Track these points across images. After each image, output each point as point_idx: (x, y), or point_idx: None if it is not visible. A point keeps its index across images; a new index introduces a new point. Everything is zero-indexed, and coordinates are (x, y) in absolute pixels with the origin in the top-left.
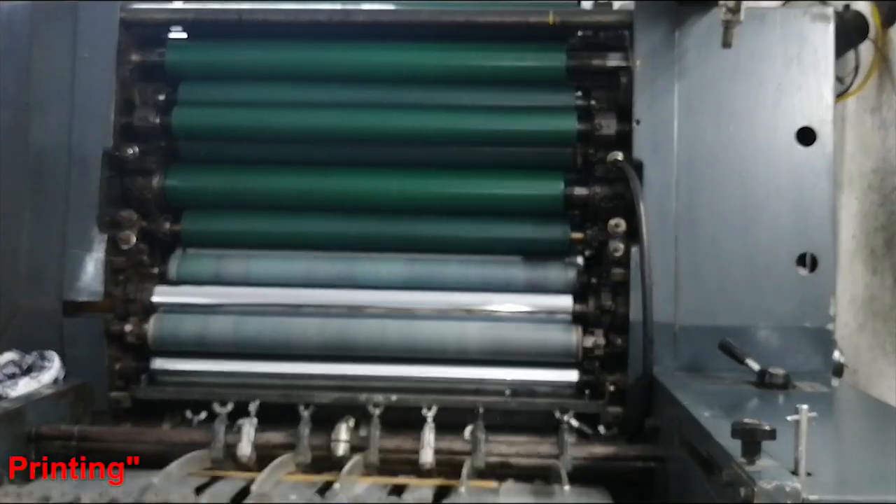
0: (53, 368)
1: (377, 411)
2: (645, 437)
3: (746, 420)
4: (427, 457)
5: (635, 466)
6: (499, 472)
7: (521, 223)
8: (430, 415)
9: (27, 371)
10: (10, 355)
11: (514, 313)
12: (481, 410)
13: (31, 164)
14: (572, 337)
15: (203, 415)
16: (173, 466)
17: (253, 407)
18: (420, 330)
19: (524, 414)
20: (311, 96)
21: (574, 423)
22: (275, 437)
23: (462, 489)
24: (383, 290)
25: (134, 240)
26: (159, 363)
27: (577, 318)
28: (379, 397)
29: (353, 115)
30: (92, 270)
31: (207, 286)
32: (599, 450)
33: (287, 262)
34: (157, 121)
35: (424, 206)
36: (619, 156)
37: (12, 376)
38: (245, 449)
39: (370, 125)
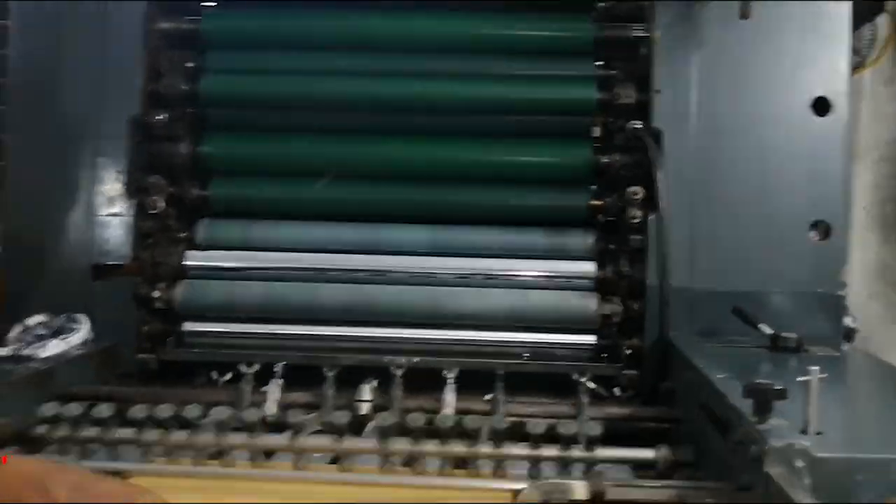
0: (82, 331)
1: (399, 372)
2: (660, 400)
3: (758, 380)
4: (447, 417)
5: (651, 427)
6: (516, 432)
7: (542, 191)
8: (451, 376)
9: (56, 333)
10: (39, 318)
11: (535, 279)
12: (501, 372)
13: (60, 129)
14: (591, 302)
15: (228, 376)
16: (204, 423)
17: (279, 367)
18: (442, 294)
19: (542, 377)
20: (338, 64)
21: (591, 385)
22: (300, 396)
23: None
24: (407, 255)
25: (162, 205)
26: (187, 326)
27: (596, 284)
28: (401, 359)
29: (377, 83)
30: (120, 235)
31: (234, 251)
32: (616, 411)
33: (312, 228)
34: (185, 88)
35: (449, 174)
36: (639, 124)
37: (42, 338)
38: (270, 408)
39: (395, 93)
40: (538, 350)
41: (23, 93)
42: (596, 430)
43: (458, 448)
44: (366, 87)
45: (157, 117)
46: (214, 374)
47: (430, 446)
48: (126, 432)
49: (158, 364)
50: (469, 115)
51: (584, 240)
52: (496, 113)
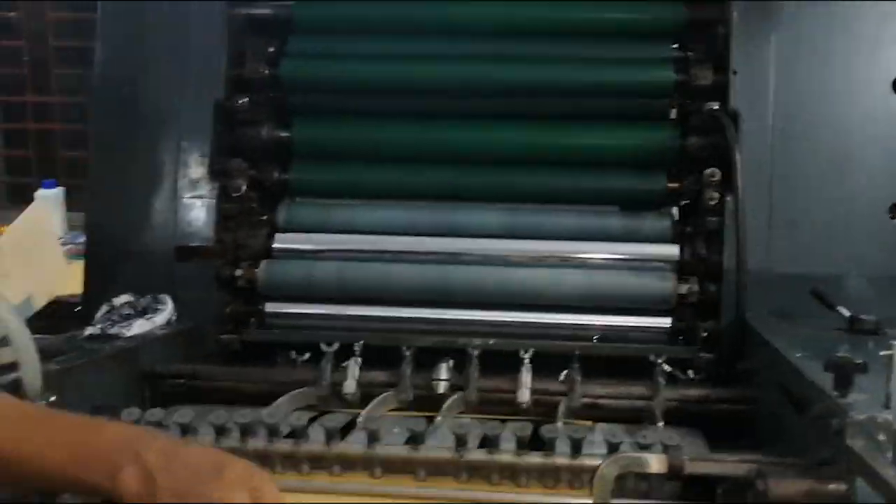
0: (166, 311)
1: (476, 352)
2: (736, 382)
3: (839, 354)
4: (524, 396)
5: (727, 408)
6: (592, 413)
7: (618, 174)
8: (526, 357)
9: (141, 313)
10: (125, 297)
11: (610, 261)
12: (577, 352)
13: (145, 114)
14: (667, 284)
15: (307, 355)
16: (282, 400)
17: (358, 346)
18: (517, 277)
19: (617, 360)
20: (418, 49)
21: (666, 367)
22: (378, 375)
23: (559, 425)
24: (482, 238)
25: (244, 188)
26: (268, 307)
27: (672, 266)
28: (477, 341)
29: (456, 66)
30: (203, 217)
31: (314, 233)
32: (692, 392)
33: (390, 211)
34: (267, 72)
35: (526, 156)
36: (716, 106)
37: (127, 317)
38: (350, 386)
39: (474, 76)
40: (612, 332)
41: (109, 79)
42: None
43: (534, 460)
44: (445, 70)
45: (239, 101)
46: (293, 354)
47: (507, 456)
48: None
49: (240, 344)
50: (547, 98)
51: (660, 222)
52: (574, 96)
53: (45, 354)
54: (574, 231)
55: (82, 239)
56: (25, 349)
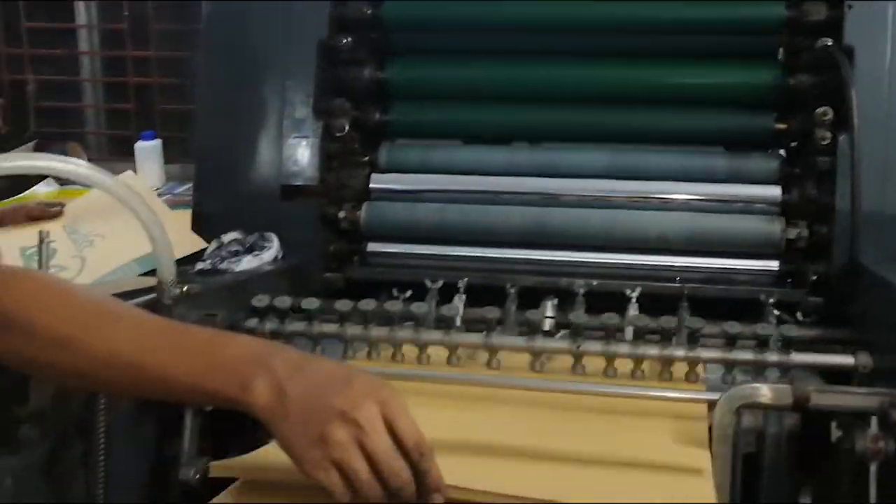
0: (273, 248)
1: (582, 290)
2: (847, 325)
3: None
4: (631, 334)
5: (840, 350)
6: None
7: (724, 113)
8: (634, 295)
9: (249, 250)
10: (233, 235)
11: (716, 203)
12: (686, 292)
13: (250, 54)
14: (775, 227)
15: (409, 293)
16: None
17: (462, 284)
18: (620, 218)
19: (722, 303)
20: None
21: (775, 312)
22: (482, 312)
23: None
24: (584, 178)
25: (346, 128)
26: (371, 246)
27: (780, 208)
28: (580, 282)
29: (558, 4)
30: (307, 157)
31: (415, 174)
32: (803, 332)
33: (490, 152)
34: (370, 12)
35: (629, 95)
36: (829, 42)
37: (236, 254)
38: (455, 322)
39: (577, 13)
40: (717, 276)
41: (215, 22)
42: (791, 331)
43: (651, 351)
44: (547, 8)
45: (342, 41)
46: (395, 292)
47: (624, 348)
48: (330, 327)
49: (344, 282)
50: (651, 35)
51: (767, 163)
52: (679, 33)
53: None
54: (678, 172)
55: (180, 189)
56: (159, 239)
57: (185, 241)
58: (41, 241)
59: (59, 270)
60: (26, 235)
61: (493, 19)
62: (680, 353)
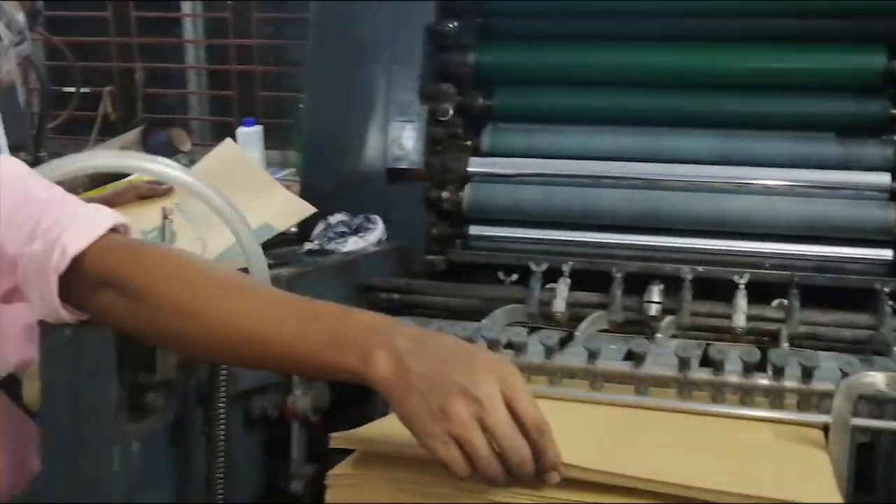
0: (377, 230)
1: (689, 276)
2: None
3: None
4: (740, 321)
5: None
6: (811, 343)
7: (835, 99)
8: (742, 282)
9: (355, 231)
10: (340, 216)
11: (827, 189)
12: (796, 280)
13: (358, 40)
14: (889, 214)
15: (514, 276)
16: (497, 313)
17: (566, 268)
18: (728, 204)
19: (831, 292)
20: None
21: (890, 303)
22: (587, 296)
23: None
24: (690, 163)
25: (451, 112)
26: (472, 229)
27: (890, 195)
28: (686, 268)
29: None
30: (412, 141)
31: (518, 158)
32: None
33: (594, 135)
34: None
35: (735, 80)
36: None
37: (342, 234)
38: (559, 305)
39: None
40: (827, 264)
41: (325, 6)
42: None
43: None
44: None
45: (448, 27)
46: (500, 275)
47: (733, 378)
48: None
49: (446, 264)
50: (760, 19)
51: (881, 150)
52: (790, 17)
53: (274, 264)
54: (788, 157)
55: (280, 174)
56: (255, 255)
57: (295, 208)
58: (165, 217)
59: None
60: (139, 215)
61: (598, 4)
62: (793, 384)
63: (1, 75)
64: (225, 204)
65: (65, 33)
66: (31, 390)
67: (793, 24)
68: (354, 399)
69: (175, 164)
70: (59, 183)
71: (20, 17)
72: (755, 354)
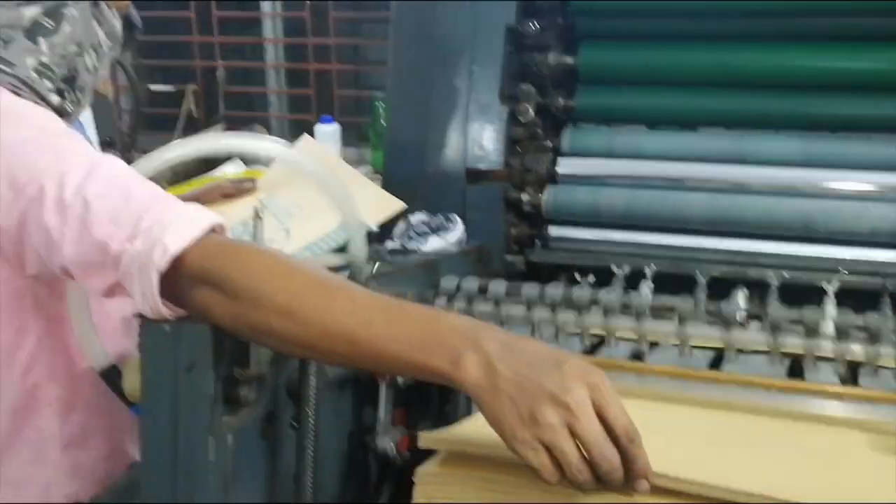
0: (457, 230)
1: (776, 281)
2: None
3: None
4: (829, 328)
5: None
6: None
7: None
8: (831, 289)
9: (435, 230)
10: (420, 216)
11: None
12: (890, 289)
13: (438, 41)
14: None
15: (591, 278)
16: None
17: (649, 271)
18: (815, 208)
19: None
20: None
21: None
22: (669, 300)
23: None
24: (775, 166)
25: (531, 113)
26: (552, 230)
27: None
28: (772, 273)
29: None
30: (493, 141)
31: (598, 159)
32: None
33: (676, 137)
34: None
35: (822, 81)
36: None
37: (423, 234)
38: (642, 308)
39: None
40: None
41: (407, 8)
42: None
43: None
44: None
45: (530, 27)
46: (578, 277)
47: (827, 344)
48: (518, 310)
49: (526, 265)
50: (849, 17)
51: None
52: (878, 15)
53: None
54: (880, 161)
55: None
56: (359, 238)
57: (385, 203)
58: (256, 215)
59: (268, 243)
60: (225, 213)
61: (683, 4)
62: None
63: (99, 82)
64: (334, 183)
65: (150, 33)
66: (132, 382)
67: (883, 23)
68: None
69: (283, 143)
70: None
71: (118, 24)
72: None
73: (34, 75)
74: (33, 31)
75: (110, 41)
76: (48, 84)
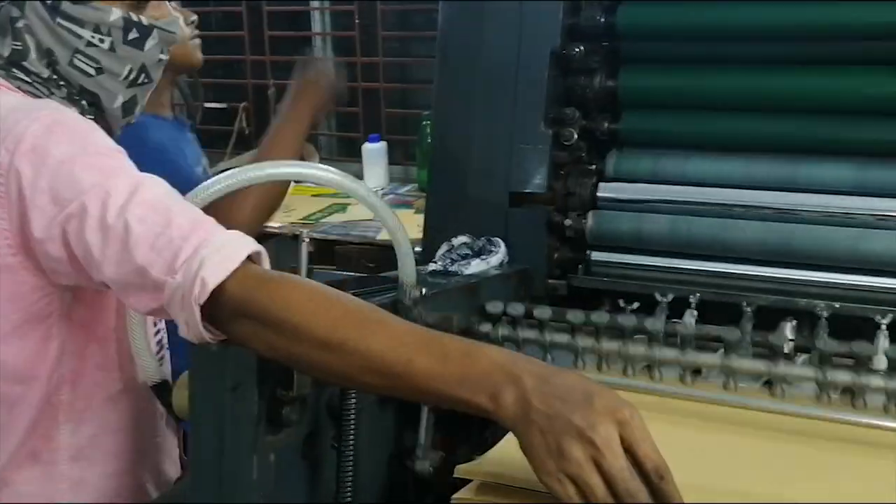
0: (500, 253)
1: (825, 312)
2: None
3: None
4: (881, 363)
5: None
6: None
7: None
8: (884, 322)
9: (478, 253)
10: (463, 238)
11: None
12: None
13: (483, 64)
14: None
15: (635, 304)
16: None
17: (693, 299)
18: (869, 238)
19: None
20: None
21: None
22: (713, 330)
23: None
24: (827, 194)
25: (575, 137)
26: (595, 255)
27: None
28: (822, 304)
29: (798, 9)
30: (536, 165)
31: (643, 184)
32: None
33: (724, 162)
34: (603, 20)
35: (875, 106)
36: None
37: (465, 257)
38: (686, 336)
39: (819, 19)
40: None
41: (451, 32)
42: None
43: None
44: (788, 14)
45: (574, 50)
46: (622, 303)
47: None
48: (562, 337)
49: (568, 290)
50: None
51: None
52: None
53: None
54: None
55: (403, 190)
56: (408, 265)
57: None
58: (302, 241)
59: None
60: None
61: (731, 26)
62: None
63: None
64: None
65: (204, 52)
66: (181, 398)
67: None
68: None
69: (339, 171)
70: None
71: (117, 14)
72: None
73: (44, 90)
74: (13, 60)
75: (110, 36)
76: (59, 94)
